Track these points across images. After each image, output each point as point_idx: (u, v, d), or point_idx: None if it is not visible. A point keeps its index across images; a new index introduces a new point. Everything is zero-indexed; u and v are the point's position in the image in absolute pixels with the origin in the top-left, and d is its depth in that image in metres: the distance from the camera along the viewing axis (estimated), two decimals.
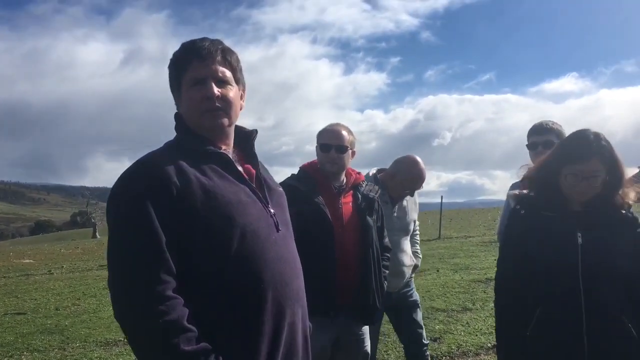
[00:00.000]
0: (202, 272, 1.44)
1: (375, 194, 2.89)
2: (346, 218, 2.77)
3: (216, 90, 1.57)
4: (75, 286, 11.10)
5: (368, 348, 2.94)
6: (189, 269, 1.42)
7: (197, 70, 1.57)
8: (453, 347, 5.12)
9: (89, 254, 21.72)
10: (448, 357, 4.89)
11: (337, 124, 2.89)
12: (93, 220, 59.17)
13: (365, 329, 2.91)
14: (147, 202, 1.40)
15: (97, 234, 52.74)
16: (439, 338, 5.38)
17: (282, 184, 2.89)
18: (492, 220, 26.77)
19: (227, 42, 1.66)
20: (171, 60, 1.64)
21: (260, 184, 1.66)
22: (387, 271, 3.00)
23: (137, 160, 1.52)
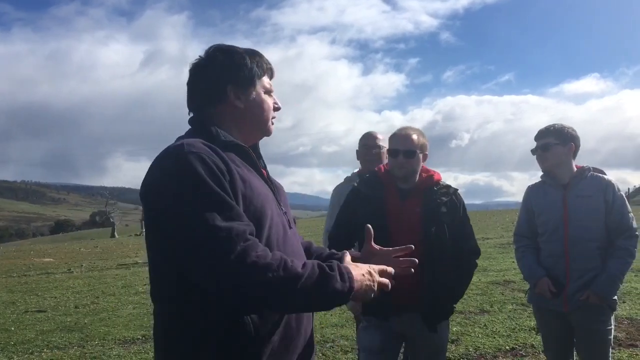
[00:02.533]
0: None
1: (448, 196, 2.85)
2: (408, 220, 2.76)
3: None
4: (94, 285, 11.24)
5: (443, 346, 2.92)
6: None
7: (270, 83, 1.75)
8: (470, 349, 5.08)
9: (108, 253, 22.00)
10: (466, 359, 4.84)
11: (408, 128, 2.88)
12: (112, 220, 59.85)
13: (440, 327, 2.85)
14: (205, 173, 1.39)
15: (115, 233, 53.38)
16: (457, 340, 5.34)
17: (350, 186, 2.92)
18: (510, 222, 26.50)
19: (247, 43, 1.53)
20: (247, 55, 1.68)
21: (271, 183, 1.72)
22: (469, 275, 2.97)
23: (173, 145, 1.50)
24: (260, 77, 1.70)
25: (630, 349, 4.84)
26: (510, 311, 6.52)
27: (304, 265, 1.38)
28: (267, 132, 1.76)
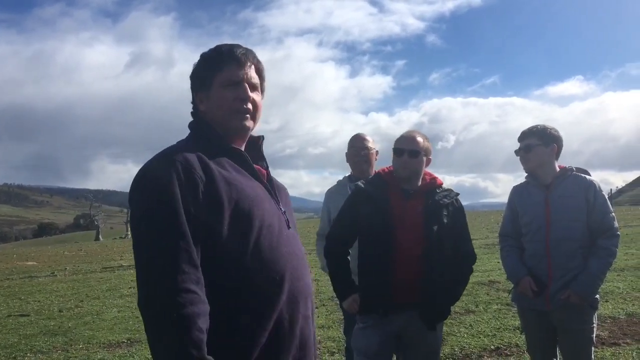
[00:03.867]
0: (225, 262, 1.48)
1: (449, 199, 2.91)
2: (411, 221, 2.80)
3: (249, 93, 1.67)
4: (78, 288, 11.14)
5: (437, 347, 2.96)
6: (212, 258, 1.45)
7: (234, 72, 1.66)
8: (456, 349, 5.11)
9: (92, 256, 21.79)
10: (451, 359, 4.87)
11: (413, 131, 2.95)
12: (96, 223, 59.31)
13: (436, 328, 2.89)
14: (174, 190, 1.42)
15: (100, 236, 52.90)
16: (442, 340, 5.37)
17: (355, 185, 2.98)
18: (495, 223, 26.72)
19: None
20: (203, 58, 1.70)
21: (271, 184, 1.72)
22: (465, 279, 2.99)
23: (160, 153, 1.55)
24: (216, 73, 1.66)
25: (613, 348, 4.90)
26: (495, 311, 6.57)
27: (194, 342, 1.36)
28: (237, 128, 1.67)
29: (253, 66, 1.70)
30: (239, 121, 1.66)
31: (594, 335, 3.16)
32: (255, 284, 1.49)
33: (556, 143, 3.18)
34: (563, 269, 3.06)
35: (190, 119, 1.72)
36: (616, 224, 3.14)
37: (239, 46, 1.71)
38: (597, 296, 3.13)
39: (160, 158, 1.51)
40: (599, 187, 3.15)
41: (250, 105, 1.67)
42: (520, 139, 3.25)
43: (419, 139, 2.87)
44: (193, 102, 1.72)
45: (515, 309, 6.58)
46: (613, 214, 3.15)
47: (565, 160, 3.24)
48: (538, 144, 3.15)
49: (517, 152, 3.28)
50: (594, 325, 3.14)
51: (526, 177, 3.31)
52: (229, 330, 1.45)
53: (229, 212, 1.47)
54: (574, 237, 3.07)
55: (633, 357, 4.60)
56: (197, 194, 1.44)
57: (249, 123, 1.68)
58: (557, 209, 3.10)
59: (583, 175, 3.20)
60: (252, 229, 1.51)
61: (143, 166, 1.53)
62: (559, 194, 3.13)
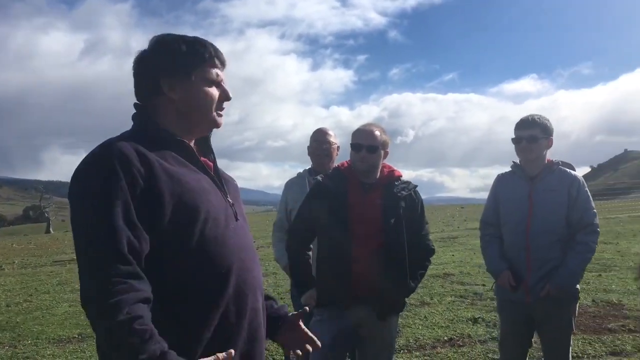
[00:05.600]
0: (167, 257, 1.45)
1: (407, 192, 2.93)
2: (369, 214, 2.83)
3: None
4: (27, 282, 10.80)
5: (392, 339, 2.99)
6: (153, 253, 1.42)
7: (219, 73, 1.67)
8: (411, 340, 5.21)
9: (43, 249, 21.13)
10: (406, 350, 4.96)
11: (371, 124, 2.95)
12: (47, 215, 57.51)
13: (390, 322, 2.94)
14: (110, 185, 1.38)
15: (50, 229, 51.33)
16: (398, 332, 5.47)
17: (315, 180, 2.96)
18: (450, 217, 27.32)
19: (194, 35, 1.68)
20: (186, 45, 1.63)
21: (217, 176, 1.69)
22: (422, 271, 3.01)
23: (99, 145, 1.50)
24: (198, 67, 1.63)
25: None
26: (449, 303, 6.73)
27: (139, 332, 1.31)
28: (212, 124, 1.68)
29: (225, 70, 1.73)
30: (219, 120, 1.68)
31: (574, 323, 3.20)
32: (199, 277, 1.47)
33: (552, 136, 3.19)
34: (541, 260, 3.08)
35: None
36: (596, 221, 3.15)
37: (214, 45, 1.70)
38: (578, 286, 3.17)
39: (98, 151, 1.47)
40: (583, 182, 3.17)
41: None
42: (521, 128, 3.17)
43: (377, 132, 2.89)
44: (146, 88, 1.63)
45: (468, 300, 6.78)
46: (594, 210, 3.16)
47: (517, 156, 3.25)
48: (542, 136, 3.13)
49: (516, 141, 3.20)
50: (574, 315, 3.18)
51: (512, 167, 3.29)
52: (173, 325, 1.42)
53: (170, 206, 1.44)
54: (553, 230, 3.09)
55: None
56: (135, 188, 1.40)
57: (222, 121, 1.70)
58: (539, 202, 3.11)
59: (568, 170, 3.20)
60: (197, 222, 1.48)
61: (82, 159, 1.48)
62: (543, 187, 3.13)
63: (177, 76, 1.61)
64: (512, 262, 3.18)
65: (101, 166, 1.42)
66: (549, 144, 3.18)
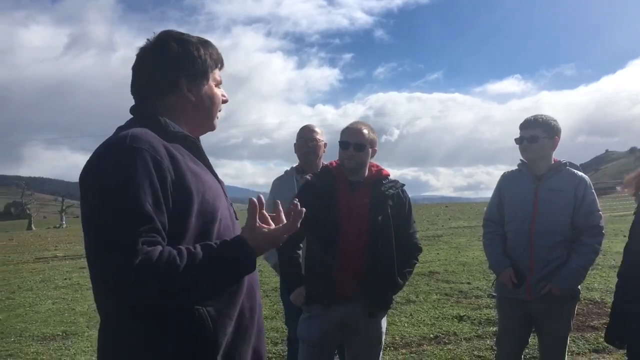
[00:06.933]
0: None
1: (395, 190, 2.95)
2: (357, 212, 2.85)
3: None
4: (9, 279, 10.66)
5: (379, 335, 3.00)
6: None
7: (220, 75, 1.71)
8: (397, 338, 5.25)
9: (24, 246, 20.84)
10: (392, 348, 4.99)
11: (358, 122, 2.96)
12: (28, 212, 56.72)
13: (378, 319, 2.96)
14: (141, 182, 1.32)
15: (32, 225, 50.65)
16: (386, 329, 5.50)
17: (303, 179, 2.94)
18: (435, 215, 27.48)
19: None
20: (207, 47, 1.65)
21: (216, 176, 1.69)
22: (409, 269, 3.03)
23: (119, 137, 1.41)
24: (213, 70, 1.66)
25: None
26: (434, 301, 6.78)
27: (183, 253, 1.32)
28: (213, 127, 1.72)
29: None
30: (216, 121, 1.72)
31: (572, 322, 3.21)
32: None
33: (558, 135, 3.16)
34: (544, 260, 3.08)
35: (130, 103, 1.61)
36: (602, 223, 3.14)
37: None
38: (579, 287, 3.18)
39: (122, 143, 1.38)
40: (590, 184, 3.15)
41: None
42: (523, 128, 3.18)
43: (365, 130, 2.90)
44: (162, 85, 1.58)
45: (454, 298, 6.83)
46: (600, 212, 3.14)
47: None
48: (544, 136, 3.11)
49: (519, 141, 3.20)
50: (574, 314, 3.20)
51: (518, 165, 3.28)
52: (199, 321, 1.43)
53: (196, 204, 1.43)
54: (558, 230, 3.08)
55: None
56: (166, 185, 1.37)
57: (217, 124, 1.74)
58: (545, 202, 3.10)
59: (575, 170, 3.18)
60: (216, 221, 1.49)
61: (99, 152, 1.41)
62: (550, 187, 3.12)
63: (198, 78, 1.62)
64: (515, 260, 3.17)
65: (130, 162, 1.34)
66: (554, 144, 3.17)
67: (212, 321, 1.45)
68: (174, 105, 1.60)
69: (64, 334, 6.02)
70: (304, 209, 1.52)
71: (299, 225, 1.51)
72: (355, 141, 2.87)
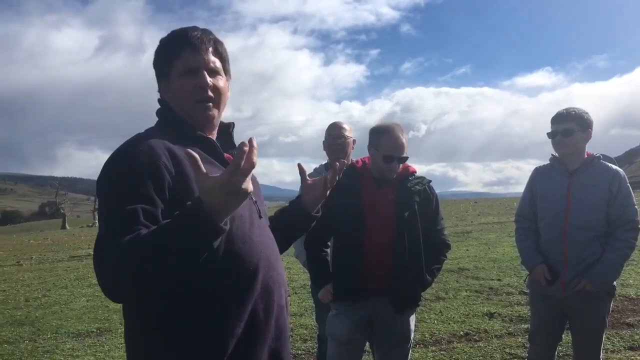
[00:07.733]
0: None
1: (421, 187, 2.95)
2: (383, 208, 2.86)
3: (209, 79, 1.58)
4: (45, 277, 10.92)
5: (408, 333, 2.99)
6: None
7: (190, 59, 1.57)
8: (427, 335, 5.21)
9: (59, 245, 21.35)
10: (422, 345, 4.96)
11: (396, 129, 2.88)
12: (62, 211, 58.08)
13: (407, 315, 2.95)
14: (141, 179, 1.37)
15: (66, 224, 51.84)
16: (415, 326, 5.47)
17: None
18: (464, 211, 27.15)
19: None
20: (160, 46, 1.63)
21: None
22: (438, 266, 3.02)
23: (126, 141, 1.49)
24: (173, 60, 1.58)
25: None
26: (464, 298, 6.70)
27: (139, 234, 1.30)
28: (201, 119, 1.60)
29: (211, 49, 1.61)
30: (201, 112, 1.59)
31: (608, 319, 3.14)
32: (228, 275, 1.47)
33: (590, 128, 3.11)
34: (579, 256, 3.03)
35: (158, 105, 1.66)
36: (638, 217, 3.07)
37: (194, 28, 1.61)
38: (615, 283, 3.10)
39: (125, 147, 1.45)
40: (625, 177, 3.08)
41: (211, 93, 1.59)
42: (556, 122, 3.11)
43: (405, 142, 2.89)
44: (159, 90, 1.66)
45: (484, 295, 6.75)
46: (636, 206, 3.07)
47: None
48: (578, 129, 3.06)
49: (552, 135, 3.14)
50: (609, 311, 3.13)
51: (550, 160, 3.22)
52: (204, 322, 1.43)
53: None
54: (592, 226, 3.02)
55: None
56: (163, 185, 1.39)
57: (213, 112, 1.61)
58: (578, 197, 3.04)
59: (609, 164, 3.12)
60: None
61: (110, 155, 1.47)
62: (583, 182, 3.06)
63: (162, 77, 1.64)
64: (548, 257, 3.12)
65: (130, 163, 1.40)
66: (587, 137, 3.10)
67: (217, 323, 1.44)
68: (172, 107, 1.63)
69: (98, 331, 6.15)
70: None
71: (253, 161, 1.27)
72: (399, 155, 2.86)
